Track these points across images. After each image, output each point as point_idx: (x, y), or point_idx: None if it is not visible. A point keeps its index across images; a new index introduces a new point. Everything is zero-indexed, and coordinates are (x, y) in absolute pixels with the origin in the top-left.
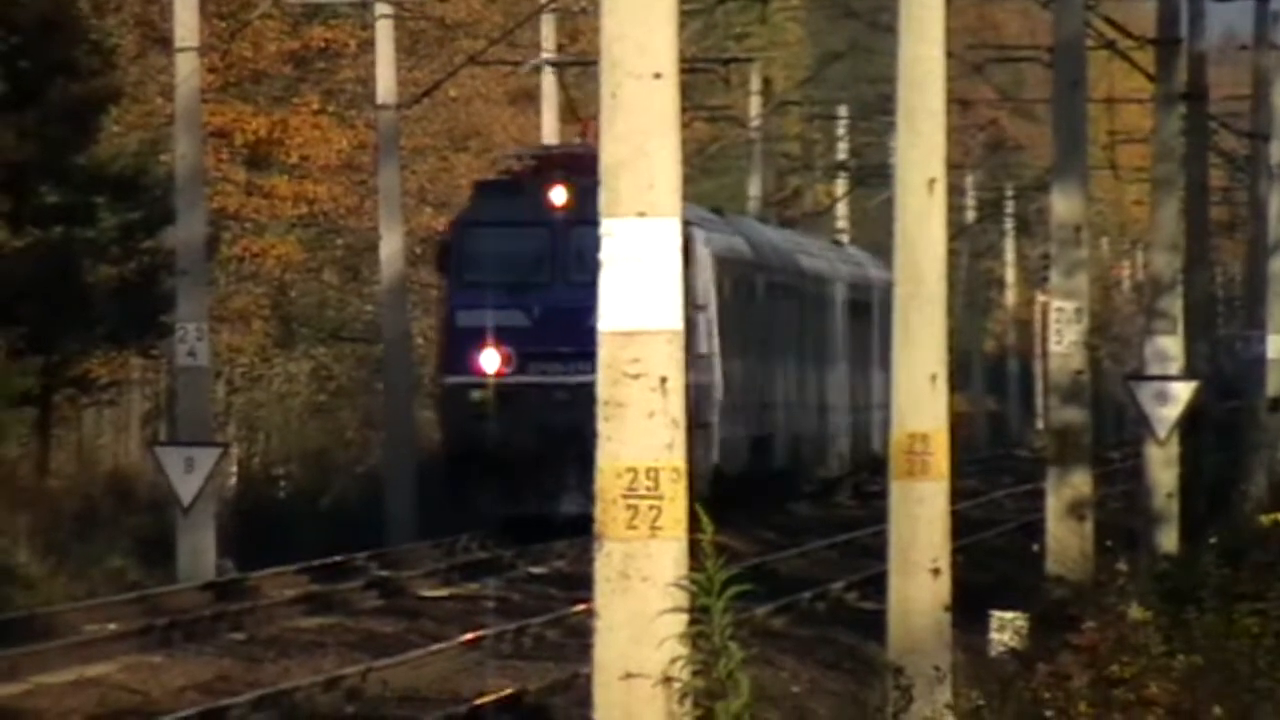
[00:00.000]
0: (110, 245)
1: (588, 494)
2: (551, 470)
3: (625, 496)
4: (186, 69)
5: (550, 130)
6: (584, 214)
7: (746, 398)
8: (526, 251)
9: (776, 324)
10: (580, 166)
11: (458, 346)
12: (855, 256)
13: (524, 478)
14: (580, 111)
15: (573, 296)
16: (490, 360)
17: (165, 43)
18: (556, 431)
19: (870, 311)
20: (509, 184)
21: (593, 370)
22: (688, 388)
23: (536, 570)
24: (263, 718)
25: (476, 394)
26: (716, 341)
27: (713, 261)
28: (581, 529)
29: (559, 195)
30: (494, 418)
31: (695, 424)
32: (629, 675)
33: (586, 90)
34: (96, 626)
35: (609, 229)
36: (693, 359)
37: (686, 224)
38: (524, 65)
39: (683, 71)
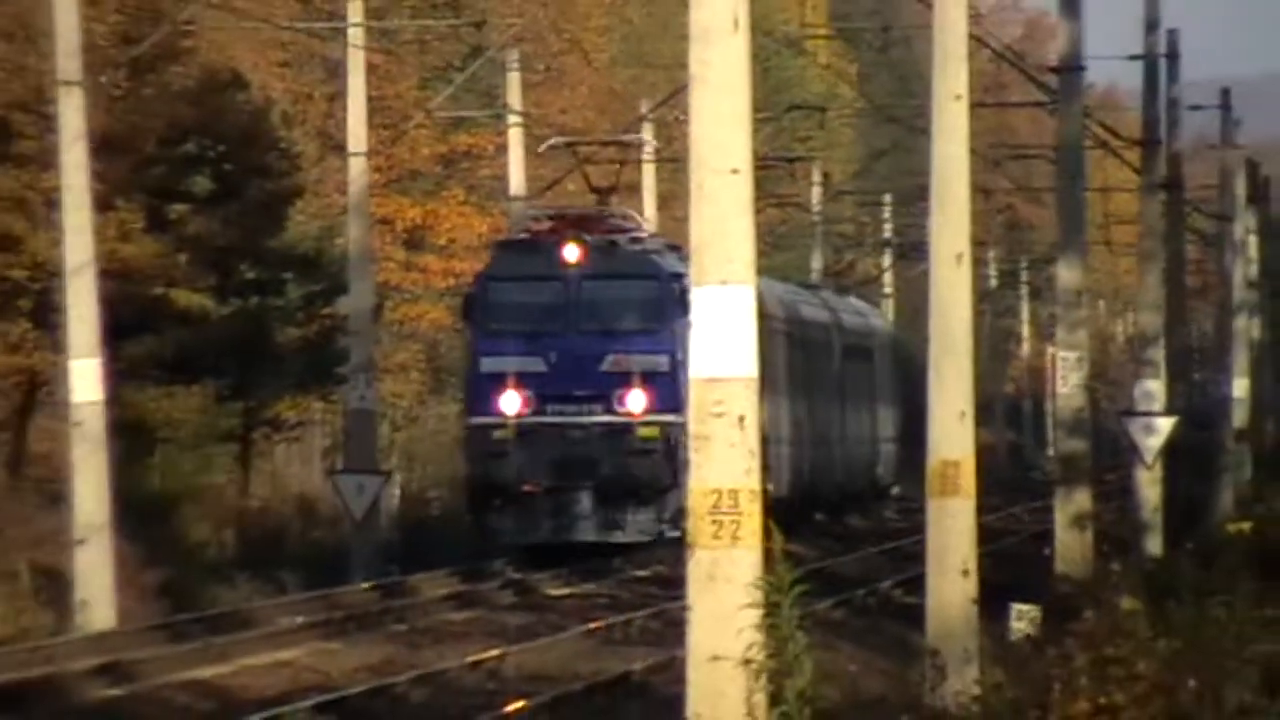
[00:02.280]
0: (296, 312)
1: (599, 523)
2: (566, 502)
3: (711, 513)
4: (357, 169)
5: (650, 216)
6: (595, 269)
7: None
8: (543, 303)
9: (782, 368)
10: (591, 226)
11: (481, 390)
12: (857, 306)
13: (541, 509)
14: (594, 183)
15: (585, 344)
16: (511, 402)
17: (339, 149)
18: (571, 466)
19: (872, 356)
20: (527, 242)
21: (604, 410)
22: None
23: (640, 573)
24: (421, 693)
25: (498, 433)
26: None
27: None
28: (591, 555)
29: (572, 252)
30: (514, 454)
31: None
32: (715, 658)
33: (680, 184)
34: (287, 619)
35: (697, 295)
36: None
37: (687, 277)
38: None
39: (756, 167)
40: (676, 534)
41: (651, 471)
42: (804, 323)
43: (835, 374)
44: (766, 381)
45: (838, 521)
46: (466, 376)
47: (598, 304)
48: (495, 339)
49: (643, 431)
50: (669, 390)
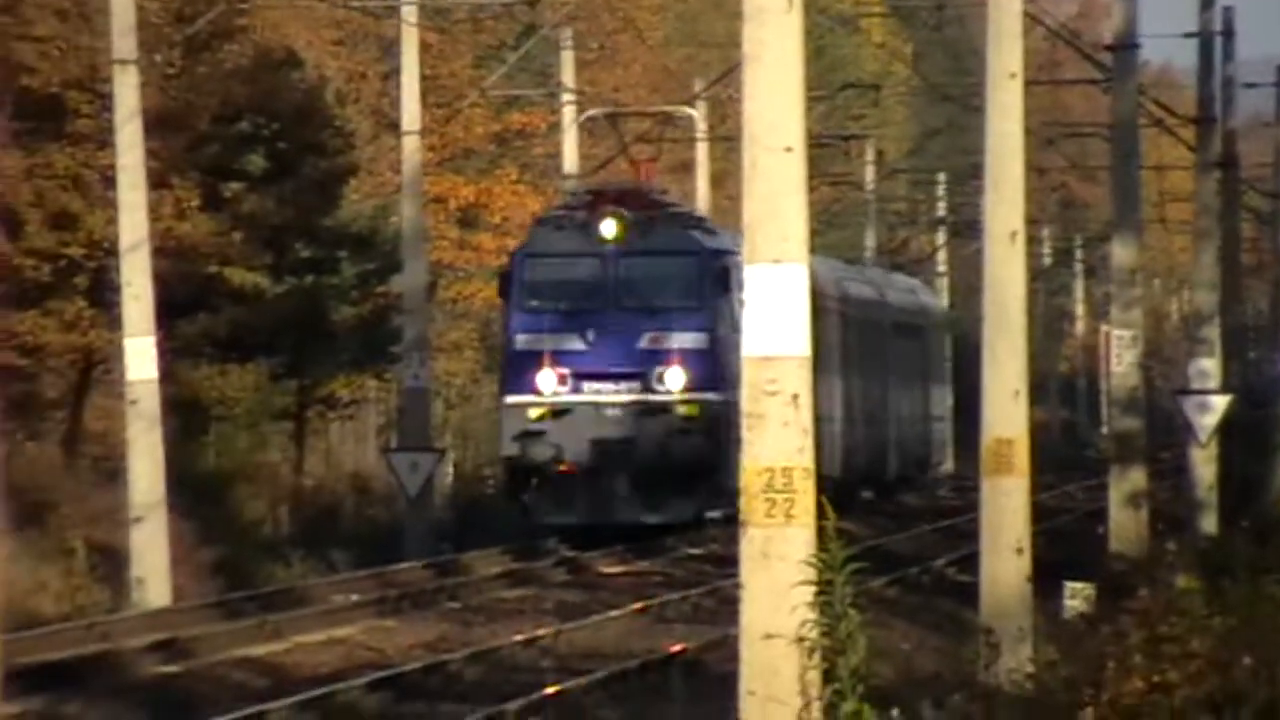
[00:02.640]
0: (350, 290)
1: (637, 504)
2: (604, 482)
3: (764, 491)
4: (410, 148)
5: (703, 195)
6: (633, 245)
7: None
8: (580, 280)
9: (828, 346)
10: (630, 202)
11: (517, 368)
12: (906, 283)
13: (578, 490)
14: (633, 155)
15: (623, 321)
16: (547, 380)
17: (394, 127)
18: (609, 446)
19: (921, 334)
20: (564, 218)
21: (642, 389)
22: (739, 404)
23: (694, 551)
24: (475, 670)
25: (534, 412)
26: None
27: None
28: (630, 537)
29: (609, 228)
30: (551, 434)
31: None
32: (768, 636)
33: (733, 163)
34: (342, 597)
35: (749, 273)
36: (738, 378)
37: (726, 254)
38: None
39: (809, 146)
40: (715, 515)
41: (691, 451)
42: (850, 300)
43: (882, 351)
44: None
45: (890, 500)
46: (502, 355)
47: (635, 280)
48: (531, 316)
49: (682, 410)
50: (708, 368)
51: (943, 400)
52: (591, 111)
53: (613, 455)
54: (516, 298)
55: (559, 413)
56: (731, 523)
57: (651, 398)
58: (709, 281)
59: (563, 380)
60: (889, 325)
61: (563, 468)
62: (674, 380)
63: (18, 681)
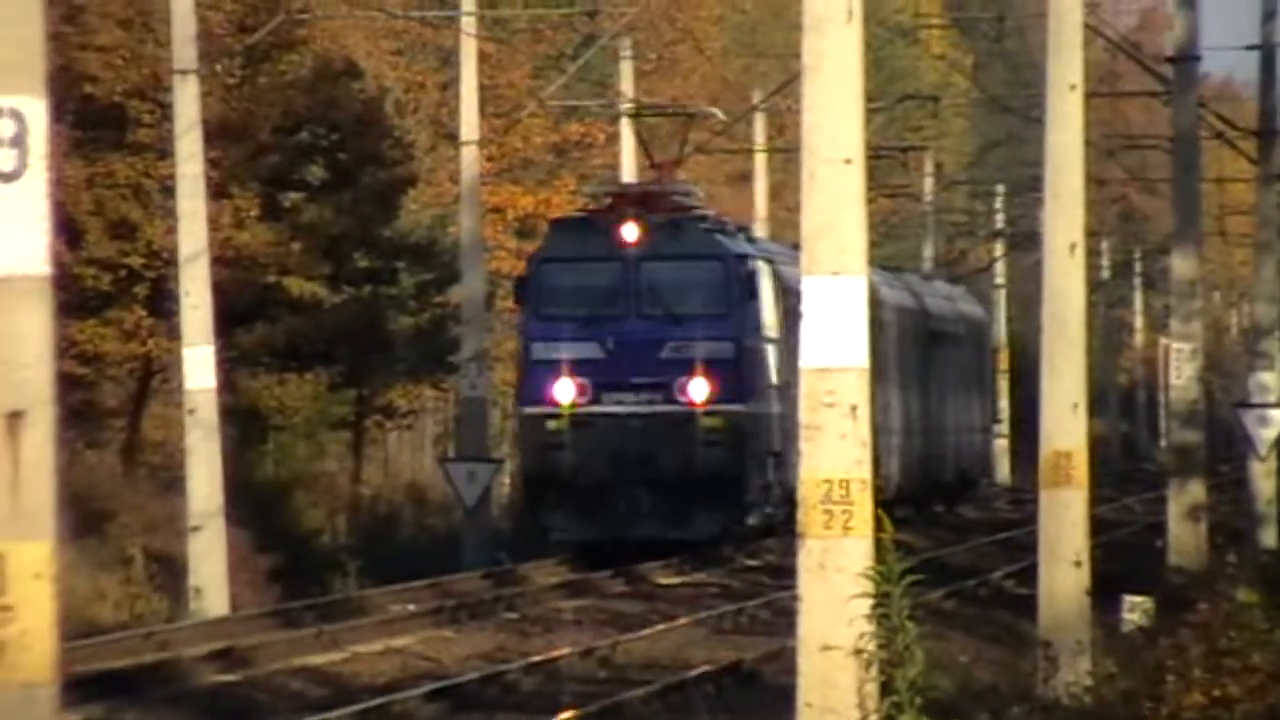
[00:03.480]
0: (409, 300)
1: (659, 519)
2: (625, 497)
3: (823, 503)
4: (469, 158)
5: (761, 206)
6: (655, 249)
7: None
8: (600, 286)
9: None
10: (654, 204)
11: (534, 378)
12: (945, 290)
13: (599, 505)
14: (656, 156)
15: (645, 329)
16: (565, 391)
17: (452, 138)
18: (630, 459)
19: (960, 342)
20: (584, 221)
21: (665, 400)
22: (766, 416)
23: (751, 563)
24: (532, 681)
25: (552, 424)
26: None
27: (778, 294)
28: (653, 554)
29: (631, 232)
30: (569, 446)
31: (767, 452)
32: (826, 647)
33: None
34: (399, 607)
35: (807, 285)
36: (765, 389)
37: (753, 259)
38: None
39: (869, 157)
40: (743, 530)
41: (716, 464)
42: (883, 306)
43: (917, 361)
44: None
45: (950, 511)
46: (519, 364)
47: (658, 286)
48: (549, 324)
49: (706, 422)
50: (734, 378)
51: (987, 411)
52: (614, 109)
53: (634, 469)
54: (534, 304)
55: (578, 424)
56: (766, 535)
57: (675, 409)
58: (734, 287)
59: (582, 390)
60: (925, 333)
61: (582, 482)
62: (698, 391)
63: (77, 690)
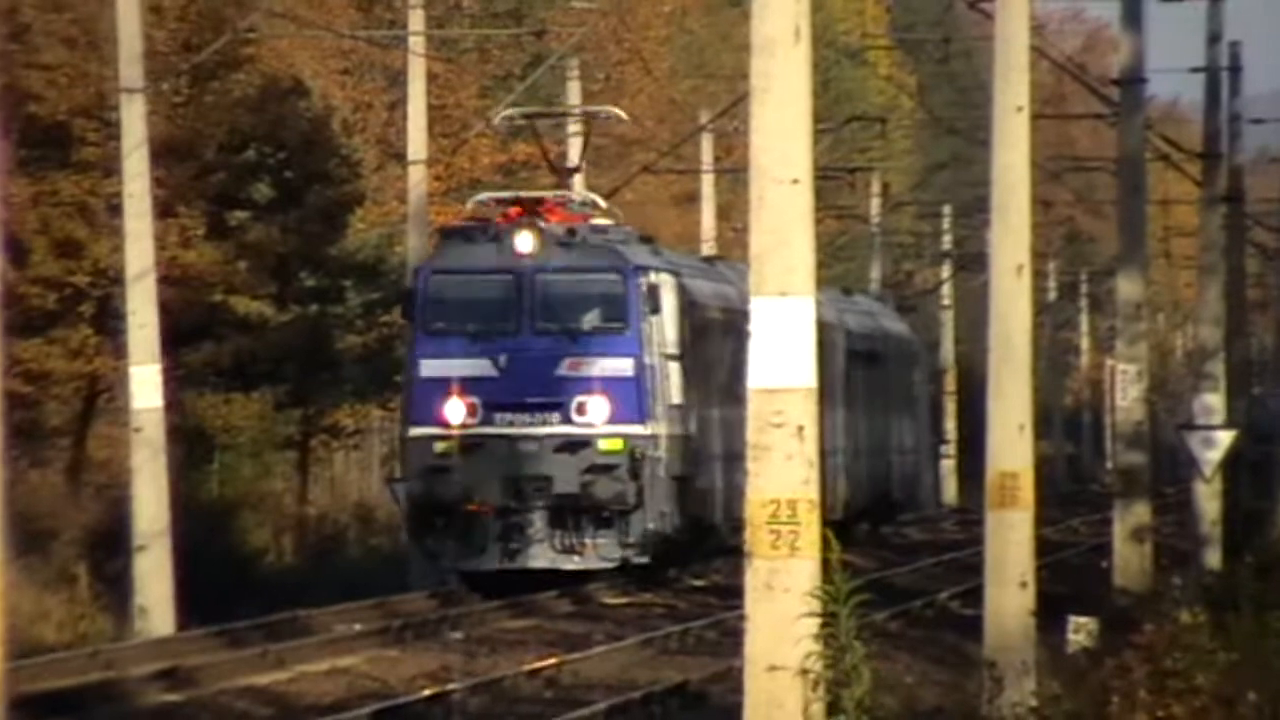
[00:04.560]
0: (356, 320)
1: (555, 547)
2: (518, 524)
3: (769, 523)
4: (417, 177)
5: (709, 226)
6: (551, 260)
7: (732, 446)
8: (492, 299)
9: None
10: (548, 212)
11: (421, 396)
12: (866, 306)
13: (489, 532)
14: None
15: (540, 345)
16: (455, 411)
17: (400, 157)
18: (523, 484)
19: (884, 360)
20: (475, 229)
21: (560, 420)
22: (667, 438)
23: (698, 583)
24: (479, 701)
25: (440, 445)
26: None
27: (682, 308)
28: (547, 584)
29: (525, 241)
30: (458, 470)
31: (669, 476)
32: (773, 667)
33: (739, 194)
34: (345, 626)
35: (756, 305)
36: (666, 409)
37: (655, 271)
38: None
39: (816, 178)
40: (643, 560)
41: (614, 490)
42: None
43: (839, 380)
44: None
45: (897, 533)
46: (404, 382)
47: (554, 300)
48: (437, 339)
49: (604, 445)
50: (634, 398)
51: (916, 432)
52: (508, 112)
53: (528, 494)
54: (421, 318)
55: (468, 446)
56: (665, 566)
57: (571, 430)
58: (635, 301)
59: (472, 411)
60: (846, 352)
61: (472, 507)
62: (596, 412)
63: (21, 710)
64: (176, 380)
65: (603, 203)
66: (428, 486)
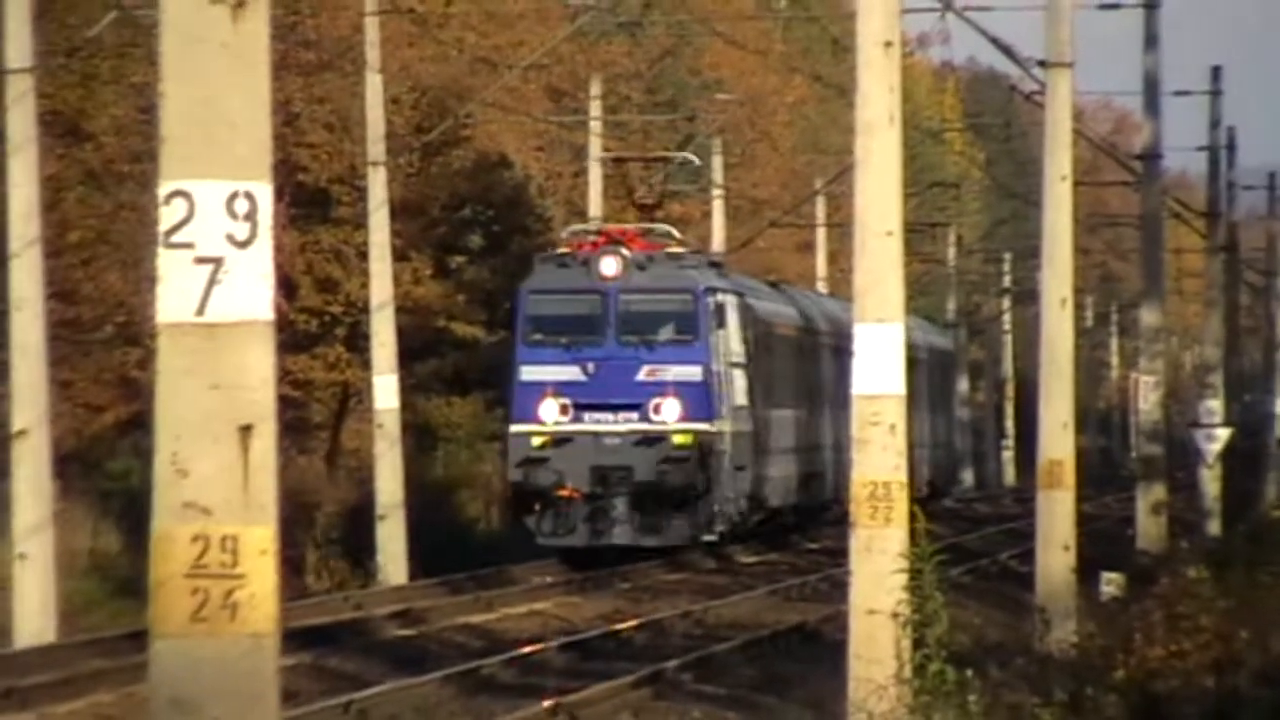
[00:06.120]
0: None
1: (635, 528)
2: (603, 507)
3: (869, 500)
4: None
5: (821, 269)
6: (631, 282)
7: (789, 441)
8: (581, 315)
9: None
10: (630, 241)
11: (522, 398)
12: (918, 324)
13: (579, 514)
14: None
15: (622, 354)
16: (549, 410)
17: (582, 213)
18: (607, 473)
19: (925, 367)
20: (566, 256)
21: (639, 419)
22: (732, 434)
23: (813, 546)
24: (643, 636)
25: (537, 440)
26: (752, 391)
27: (746, 323)
28: (628, 558)
29: (609, 266)
30: (552, 461)
31: (734, 466)
32: (871, 611)
33: (845, 244)
34: (539, 578)
35: (859, 330)
36: (731, 409)
37: (722, 292)
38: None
39: (905, 231)
40: (712, 538)
41: (685, 478)
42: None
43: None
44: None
45: (968, 507)
46: (508, 385)
47: (634, 316)
48: (535, 349)
49: (677, 439)
50: (702, 400)
51: (953, 428)
52: (602, 155)
53: (611, 482)
54: (521, 331)
55: (561, 441)
56: (734, 542)
57: (649, 427)
58: (703, 317)
59: (564, 410)
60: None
61: (564, 493)
62: (670, 411)
63: (289, 641)
64: (409, 387)
65: (676, 233)
66: (526, 475)
